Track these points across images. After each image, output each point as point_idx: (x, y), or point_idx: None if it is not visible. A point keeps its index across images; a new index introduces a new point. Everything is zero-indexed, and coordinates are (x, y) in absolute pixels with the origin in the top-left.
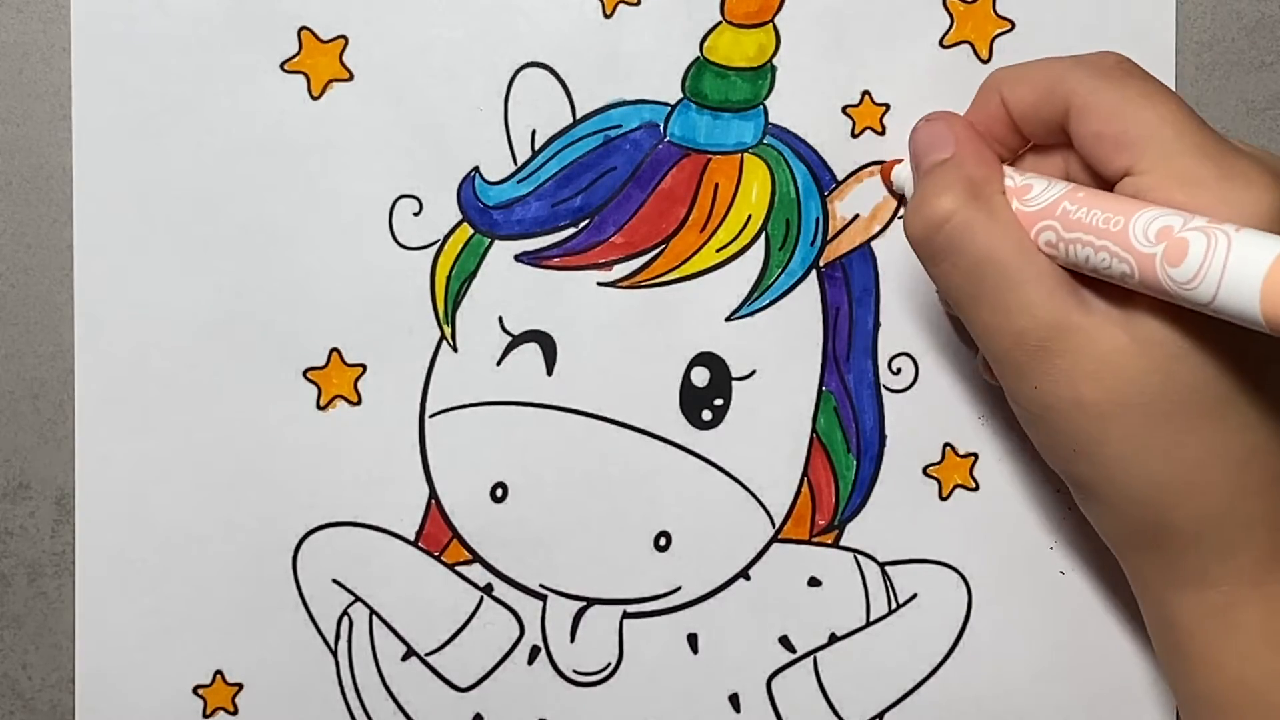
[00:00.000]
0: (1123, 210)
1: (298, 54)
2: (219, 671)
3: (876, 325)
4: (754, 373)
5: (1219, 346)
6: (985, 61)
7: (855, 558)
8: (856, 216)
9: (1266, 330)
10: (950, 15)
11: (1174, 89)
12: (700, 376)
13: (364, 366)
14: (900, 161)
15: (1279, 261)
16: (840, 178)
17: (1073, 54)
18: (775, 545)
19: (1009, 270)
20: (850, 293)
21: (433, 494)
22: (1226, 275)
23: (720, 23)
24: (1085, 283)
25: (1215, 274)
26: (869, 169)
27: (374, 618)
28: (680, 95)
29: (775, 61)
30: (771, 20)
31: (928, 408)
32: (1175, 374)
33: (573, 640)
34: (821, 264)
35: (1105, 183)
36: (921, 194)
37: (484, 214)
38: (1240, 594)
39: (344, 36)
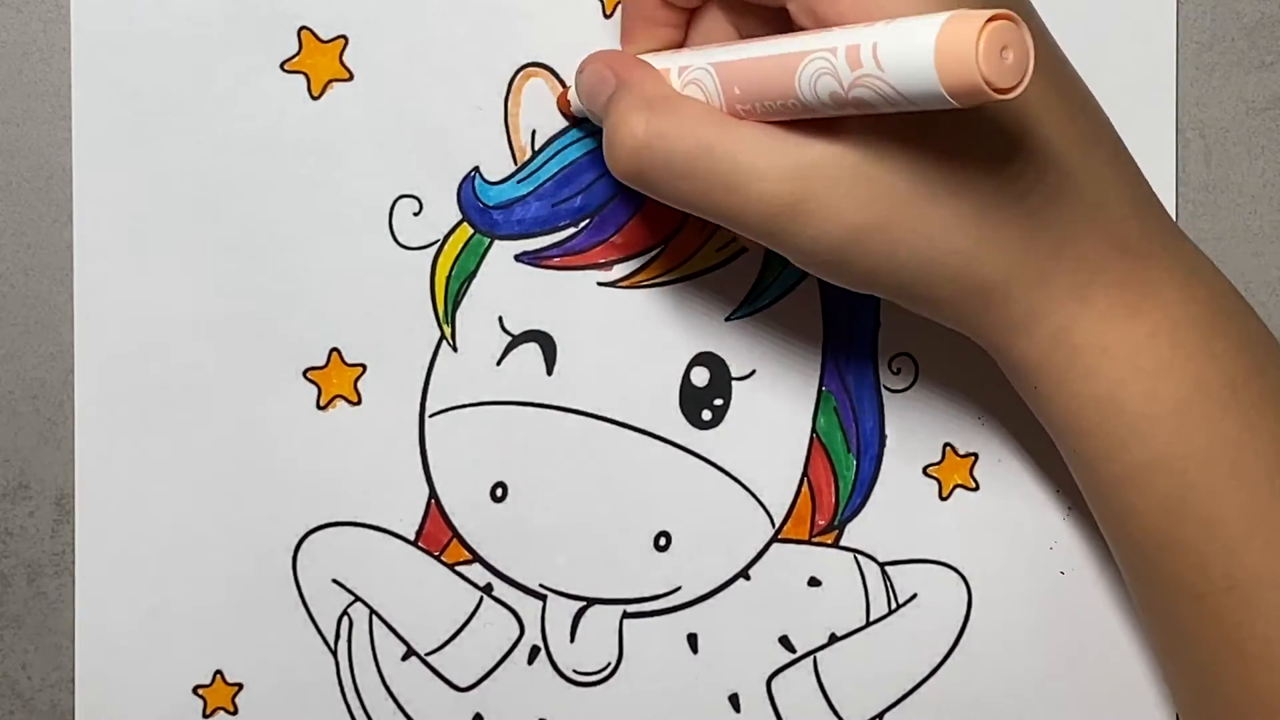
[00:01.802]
0: (782, 69)
1: (298, 54)
2: (219, 671)
3: (876, 325)
4: (754, 373)
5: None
6: None
7: (855, 558)
8: None
9: (957, 105)
10: None
11: (1174, 89)
12: (700, 376)
13: (364, 366)
14: (568, 88)
15: (943, 34)
16: None
17: (1068, 54)
18: (775, 545)
19: (720, 149)
20: (850, 293)
21: (432, 494)
22: (898, 76)
23: None
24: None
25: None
26: None
27: (374, 617)
28: None
29: None
30: None
31: (928, 408)
32: (924, 154)
33: (572, 640)
34: None
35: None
36: (609, 131)
37: (484, 214)
38: (1067, 316)
39: (344, 36)
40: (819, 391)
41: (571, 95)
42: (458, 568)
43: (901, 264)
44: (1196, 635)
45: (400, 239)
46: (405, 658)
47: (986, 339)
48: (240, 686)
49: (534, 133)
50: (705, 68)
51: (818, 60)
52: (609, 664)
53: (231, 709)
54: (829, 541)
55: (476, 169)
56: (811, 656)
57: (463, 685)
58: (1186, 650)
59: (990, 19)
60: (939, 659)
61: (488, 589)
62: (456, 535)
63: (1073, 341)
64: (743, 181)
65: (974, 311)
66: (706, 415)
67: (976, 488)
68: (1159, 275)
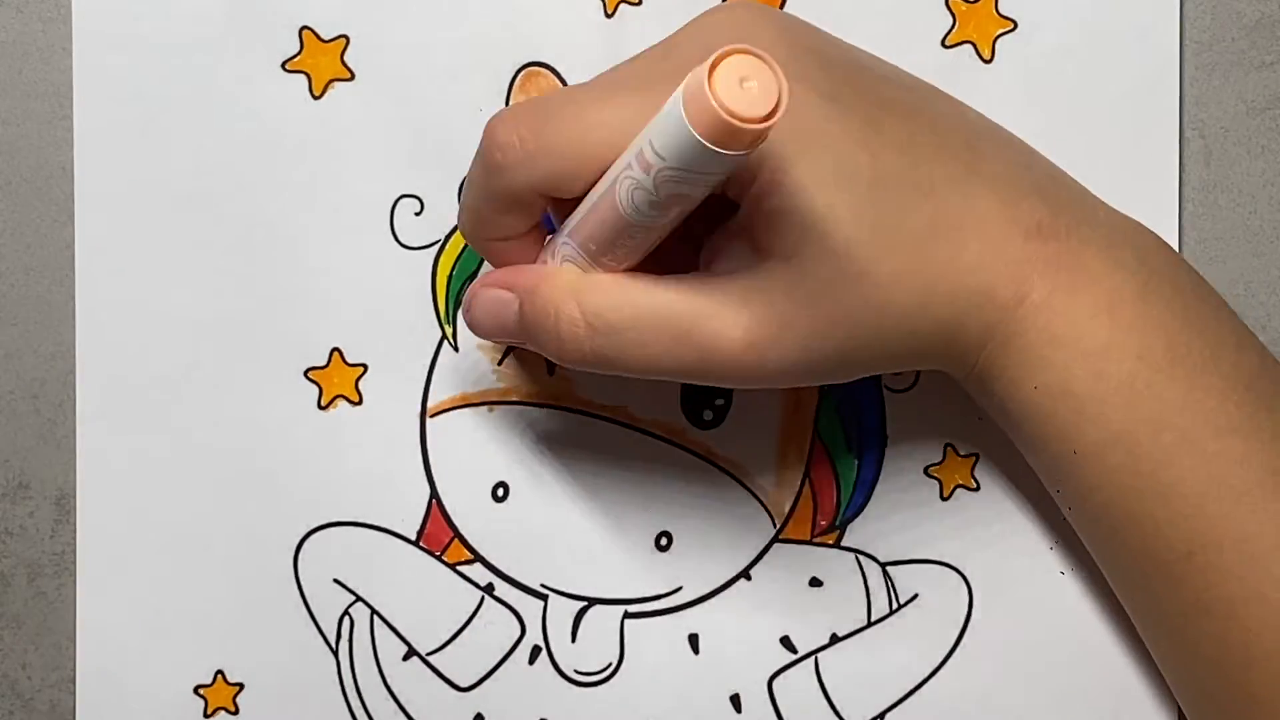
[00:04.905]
0: (610, 206)
1: (299, 53)
2: (220, 671)
3: None
4: None
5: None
6: (988, 61)
7: (856, 558)
8: None
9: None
10: (952, 15)
11: (1177, 90)
12: None
13: (365, 366)
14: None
15: (684, 90)
16: None
17: (1071, 53)
18: (776, 545)
19: (673, 311)
20: None
21: (434, 493)
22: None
23: None
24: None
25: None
26: None
27: (375, 617)
28: None
29: None
30: None
31: (929, 408)
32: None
33: (574, 640)
34: None
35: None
36: (545, 338)
37: None
38: (1015, 320)
39: (345, 36)
40: (820, 391)
41: (461, 329)
42: (459, 567)
43: (830, 353)
44: (1165, 599)
45: (402, 239)
46: (406, 657)
47: (951, 372)
48: (241, 686)
49: None
50: (565, 240)
51: (626, 180)
52: (610, 664)
53: (233, 709)
54: (830, 542)
55: None
56: (813, 657)
57: (464, 685)
58: (1158, 613)
59: (720, 57)
60: (940, 659)
61: (489, 589)
62: (458, 535)
63: (1021, 342)
64: (704, 341)
65: (937, 354)
66: (708, 415)
67: (978, 488)
68: (1081, 249)
